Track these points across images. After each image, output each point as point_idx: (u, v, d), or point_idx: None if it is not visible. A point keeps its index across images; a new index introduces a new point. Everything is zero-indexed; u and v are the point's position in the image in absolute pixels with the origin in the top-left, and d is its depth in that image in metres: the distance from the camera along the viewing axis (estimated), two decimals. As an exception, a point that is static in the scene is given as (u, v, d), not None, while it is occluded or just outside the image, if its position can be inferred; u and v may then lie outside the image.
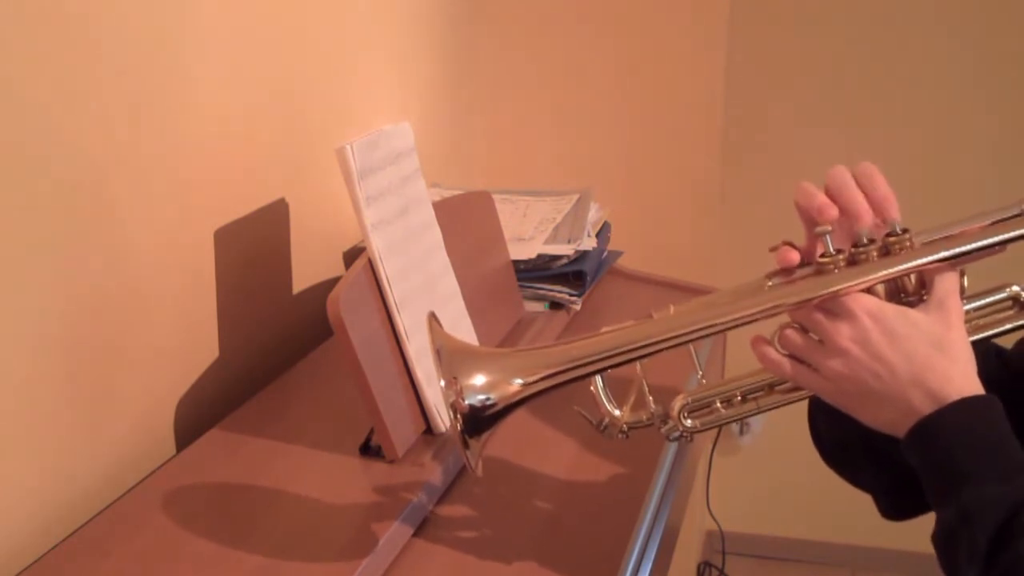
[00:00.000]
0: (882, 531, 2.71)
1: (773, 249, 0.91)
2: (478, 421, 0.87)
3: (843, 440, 1.01)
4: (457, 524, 1.04)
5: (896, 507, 1.03)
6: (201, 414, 1.18)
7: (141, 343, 1.10)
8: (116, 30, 1.03)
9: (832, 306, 0.87)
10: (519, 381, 0.88)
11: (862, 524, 2.45)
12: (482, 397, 0.87)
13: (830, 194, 0.88)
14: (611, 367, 0.90)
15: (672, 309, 0.92)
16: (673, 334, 0.89)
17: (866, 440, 0.97)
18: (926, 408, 0.84)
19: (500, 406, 0.87)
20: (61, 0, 0.95)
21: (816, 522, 2.81)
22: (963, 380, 0.85)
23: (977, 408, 0.84)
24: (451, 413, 0.86)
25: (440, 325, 0.91)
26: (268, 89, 1.33)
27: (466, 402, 0.86)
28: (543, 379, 0.88)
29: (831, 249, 0.87)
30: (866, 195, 0.88)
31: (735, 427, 2.76)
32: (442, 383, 0.86)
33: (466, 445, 0.87)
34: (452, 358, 0.87)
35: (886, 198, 0.87)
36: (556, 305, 1.51)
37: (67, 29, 0.96)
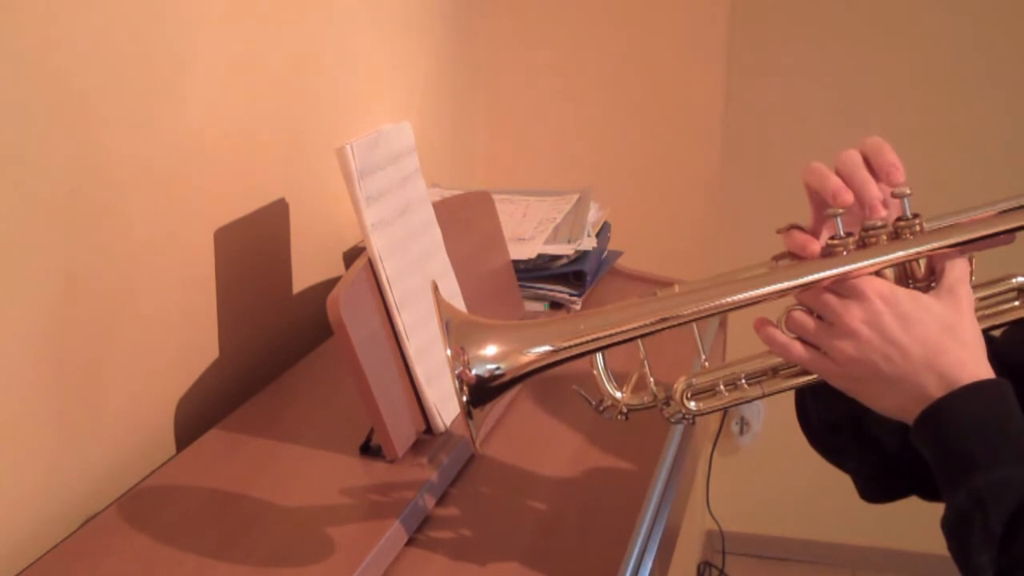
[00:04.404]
0: (882, 531, 2.73)
1: (781, 231, 0.91)
2: (484, 392, 0.86)
3: (831, 422, 1.01)
4: (457, 524, 1.05)
5: (878, 490, 1.03)
6: (201, 414, 1.18)
7: (141, 343, 1.10)
8: (116, 30, 1.03)
9: (843, 288, 0.87)
10: (527, 352, 0.88)
11: (862, 524, 2.47)
12: (491, 367, 0.86)
13: (841, 177, 0.88)
14: (618, 343, 0.89)
15: (677, 288, 0.91)
16: (683, 311, 0.88)
17: (854, 422, 0.97)
18: (937, 392, 0.84)
19: (508, 377, 0.87)
20: (60, 0, 0.95)
21: (816, 522, 2.81)
22: (975, 365, 0.85)
23: (989, 392, 0.84)
24: (456, 384, 0.85)
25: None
26: (268, 89, 1.33)
27: (473, 372, 0.86)
28: (551, 351, 0.88)
29: (842, 232, 0.87)
30: (873, 161, 0.88)
31: (735, 426, 2.76)
32: (448, 352, 0.85)
33: (470, 415, 0.86)
34: (460, 329, 0.87)
35: (893, 164, 0.87)
36: (556, 305, 1.51)
37: (66, 28, 0.96)
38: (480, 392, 0.86)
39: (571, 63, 2.29)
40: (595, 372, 0.95)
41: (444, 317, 0.87)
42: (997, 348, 0.94)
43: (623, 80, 2.29)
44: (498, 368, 0.87)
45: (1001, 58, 2.44)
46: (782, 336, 0.90)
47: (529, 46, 2.29)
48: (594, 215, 1.63)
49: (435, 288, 0.89)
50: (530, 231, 1.56)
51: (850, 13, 2.47)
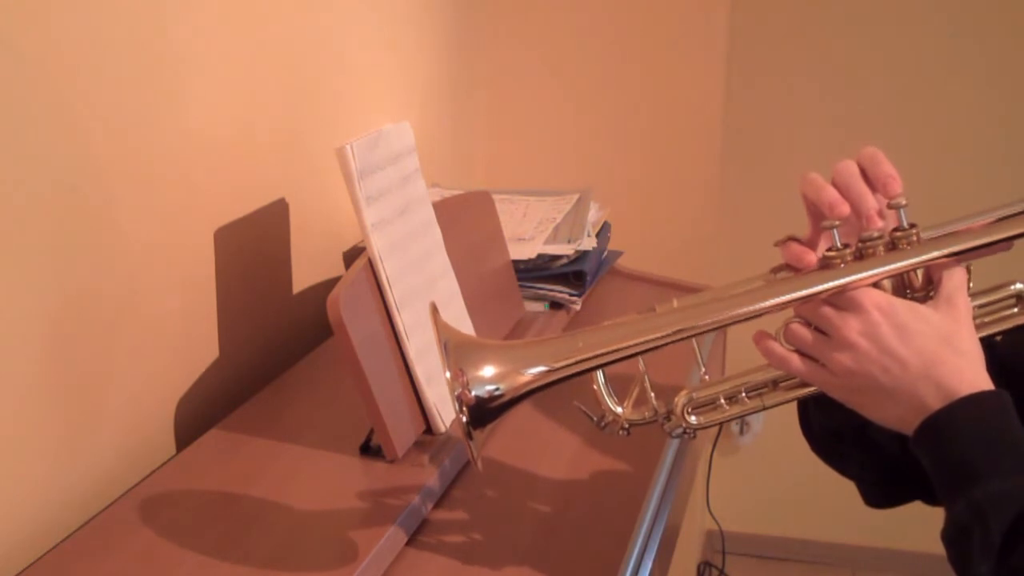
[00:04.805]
0: (882, 531, 2.73)
1: (779, 244, 0.91)
2: (483, 413, 0.86)
3: (833, 429, 1.01)
4: (457, 524, 1.05)
5: (881, 496, 1.03)
6: (201, 414, 1.18)
7: (141, 343, 1.10)
8: (116, 30, 1.03)
9: (840, 300, 0.87)
10: (527, 372, 0.87)
11: (862, 524, 2.47)
12: (490, 388, 0.86)
13: (838, 188, 0.88)
14: (618, 360, 0.89)
15: (676, 303, 0.91)
16: (682, 326, 0.88)
17: (856, 429, 0.97)
18: (936, 403, 0.84)
19: (507, 397, 0.87)
20: (60, 0, 0.95)
21: (816, 522, 2.81)
22: (973, 375, 0.85)
23: (988, 403, 0.84)
24: (456, 405, 0.85)
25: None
26: (268, 89, 1.33)
27: (472, 393, 0.86)
28: (550, 371, 0.88)
29: (839, 243, 0.87)
30: (869, 172, 0.88)
31: (735, 427, 2.76)
32: (447, 375, 0.85)
33: (470, 436, 0.86)
34: (458, 350, 0.87)
35: (890, 175, 0.87)
36: (556, 305, 1.51)
37: (66, 28, 0.96)
38: (480, 413, 0.86)
39: (571, 63, 2.29)
40: (595, 387, 0.95)
41: (442, 338, 0.87)
42: (998, 352, 0.94)
43: (623, 80, 2.29)
44: (497, 389, 0.86)
45: (1002, 59, 2.44)
46: (780, 349, 0.90)
47: (529, 46, 2.29)
48: (594, 215, 1.63)
49: (434, 310, 0.89)
50: (530, 231, 1.56)
51: (850, 13, 2.47)
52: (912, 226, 0.88)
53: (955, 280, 0.87)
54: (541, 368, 0.88)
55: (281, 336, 1.36)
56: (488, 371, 0.86)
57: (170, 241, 1.14)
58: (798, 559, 2.87)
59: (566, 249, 1.51)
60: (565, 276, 1.52)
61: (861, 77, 2.49)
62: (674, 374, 1.06)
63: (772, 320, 0.91)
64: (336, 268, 1.49)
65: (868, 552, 2.81)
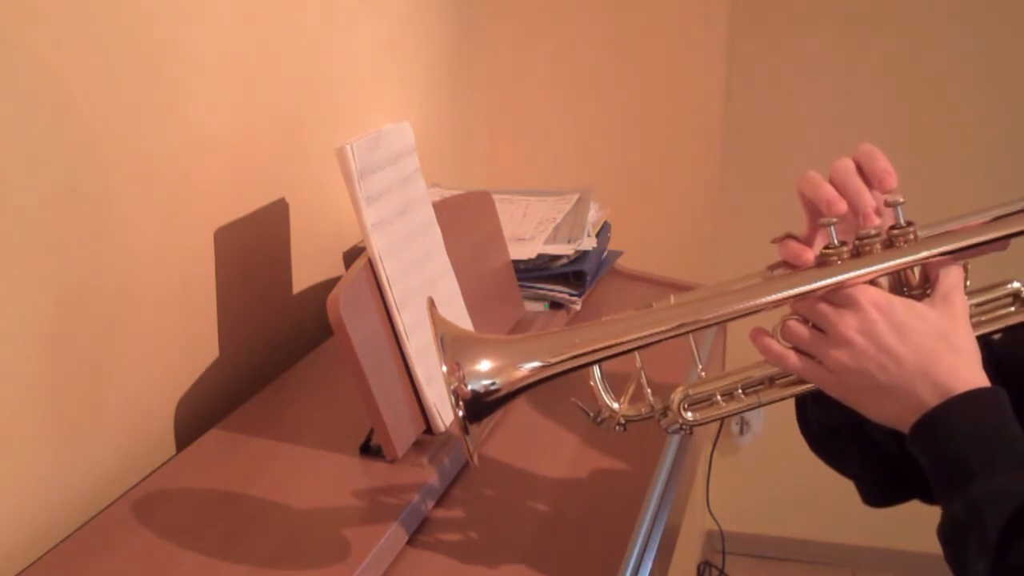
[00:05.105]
0: (882, 531, 2.73)
1: (776, 241, 0.91)
2: (480, 407, 0.86)
3: (831, 427, 1.01)
4: (457, 524, 1.05)
5: (880, 496, 1.04)
6: (201, 414, 1.19)
7: (141, 343, 1.10)
8: (116, 29, 1.03)
9: (837, 297, 0.87)
10: (523, 366, 0.87)
11: (862, 524, 2.47)
12: (486, 382, 0.86)
13: (835, 186, 0.88)
14: (614, 355, 0.89)
15: (673, 299, 0.91)
16: (678, 322, 0.88)
17: (854, 427, 0.97)
18: (933, 401, 0.84)
19: (503, 392, 0.87)
20: (60, 0, 0.95)
21: (816, 522, 2.81)
22: (970, 373, 0.85)
23: (984, 400, 0.84)
24: (453, 399, 0.85)
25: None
26: (268, 89, 1.33)
27: (469, 387, 0.86)
28: (546, 366, 0.88)
29: (835, 241, 0.87)
30: (866, 168, 0.88)
31: (735, 426, 2.76)
32: (444, 369, 0.85)
33: (466, 431, 0.86)
34: (455, 344, 0.87)
35: (885, 171, 0.87)
36: (556, 305, 1.51)
37: (67, 28, 0.96)
38: (476, 407, 0.86)
39: (571, 63, 2.29)
40: (592, 383, 0.95)
41: (439, 332, 0.86)
42: (995, 350, 0.94)
43: (623, 80, 2.29)
44: (493, 383, 0.86)
45: (1002, 59, 2.44)
46: (777, 346, 0.90)
47: (529, 46, 2.29)
48: (594, 215, 1.63)
49: (431, 304, 0.89)
50: (530, 231, 1.56)
51: (850, 13, 2.47)
52: (909, 224, 0.88)
53: (952, 278, 0.88)
54: (537, 363, 0.88)
55: (281, 336, 1.36)
56: (484, 365, 0.86)
57: (170, 241, 1.14)
58: (798, 559, 2.87)
59: (566, 249, 1.51)
60: (565, 276, 1.52)
61: (861, 77, 2.49)
62: (673, 371, 1.06)
63: (769, 317, 0.91)
64: (336, 268, 1.49)
65: (868, 552, 2.81)
